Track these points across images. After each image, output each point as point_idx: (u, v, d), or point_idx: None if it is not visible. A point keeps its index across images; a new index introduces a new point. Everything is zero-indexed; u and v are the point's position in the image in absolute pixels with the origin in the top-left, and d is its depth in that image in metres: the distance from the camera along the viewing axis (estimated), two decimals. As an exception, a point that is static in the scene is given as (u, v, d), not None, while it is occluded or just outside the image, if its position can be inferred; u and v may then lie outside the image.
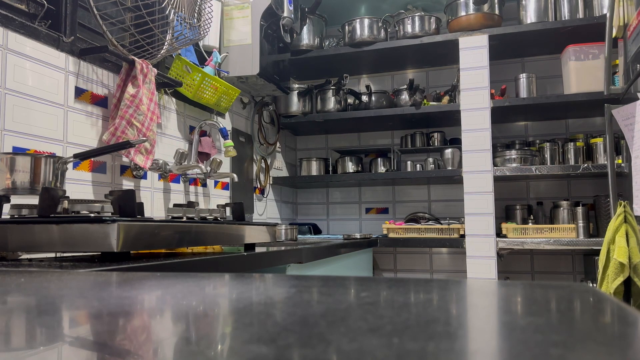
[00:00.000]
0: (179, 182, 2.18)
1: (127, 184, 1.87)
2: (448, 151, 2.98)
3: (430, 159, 3.09)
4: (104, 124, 1.75)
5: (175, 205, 1.36)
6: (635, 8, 1.90)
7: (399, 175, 3.01)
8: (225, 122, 2.62)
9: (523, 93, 2.83)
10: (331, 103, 3.12)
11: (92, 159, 1.69)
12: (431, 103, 2.99)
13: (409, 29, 2.93)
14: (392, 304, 0.46)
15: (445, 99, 3.02)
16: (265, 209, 3.05)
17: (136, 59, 1.71)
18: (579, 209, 2.72)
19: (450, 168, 2.96)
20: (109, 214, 1.03)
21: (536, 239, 2.63)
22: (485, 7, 2.79)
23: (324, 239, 2.56)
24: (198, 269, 1.09)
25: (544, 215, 2.97)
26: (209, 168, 2.15)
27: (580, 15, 2.74)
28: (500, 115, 2.90)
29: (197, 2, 1.86)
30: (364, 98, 3.13)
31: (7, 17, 1.42)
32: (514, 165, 2.76)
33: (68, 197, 1.08)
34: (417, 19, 2.92)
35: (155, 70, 1.81)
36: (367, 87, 3.13)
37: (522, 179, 3.13)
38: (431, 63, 3.27)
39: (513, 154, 2.79)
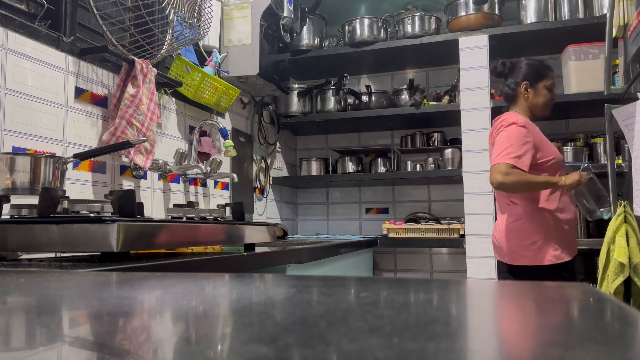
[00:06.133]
0: (178, 182, 2.18)
1: (127, 184, 1.87)
2: (448, 151, 2.98)
3: (430, 159, 3.09)
4: (103, 124, 1.75)
5: (175, 205, 1.36)
6: (635, 8, 1.90)
7: (399, 175, 3.02)
8: (225, 122, 2.62)
9: (523, 93, 2.82)
10: (331, 103, 3.12)
11: (92, 159, 1.69)
12: (431, 103, 2.99)
13: (409, 29, 2.93)
14: (392, 304, 0.46)
15: (445, 99, 3.02)
16: (265, 209, 3.05)
17: (136, 59, 1.71)
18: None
19: (450, 168, 2.96)
20: (109, 214, 1.02)
21: (536, 239, 2.62)
22: (485, 7, 2.79)
23: (324, 239, 2.56)
24: (198, 269, 1.09)
25: (544, 215, 2.96)
26: (209, 168, 2.15)
27: (580, 15, 2.74)
28: (500, 115, 2.90)
29: (197, 2, 1.86)
30: (364, 98, 3.13)
31: (7, 17, 1.42)
32: (514, 165, 2.76)
33: (68, 197, 1.08)
34: (417, 19, 2.92)
35: (155, 70, 1.81)
36: (367, 87, 3.13)
37: (522, 179, 3.12)
38: (431, 63, 3.27)
39: (513, 154, 2.78)
